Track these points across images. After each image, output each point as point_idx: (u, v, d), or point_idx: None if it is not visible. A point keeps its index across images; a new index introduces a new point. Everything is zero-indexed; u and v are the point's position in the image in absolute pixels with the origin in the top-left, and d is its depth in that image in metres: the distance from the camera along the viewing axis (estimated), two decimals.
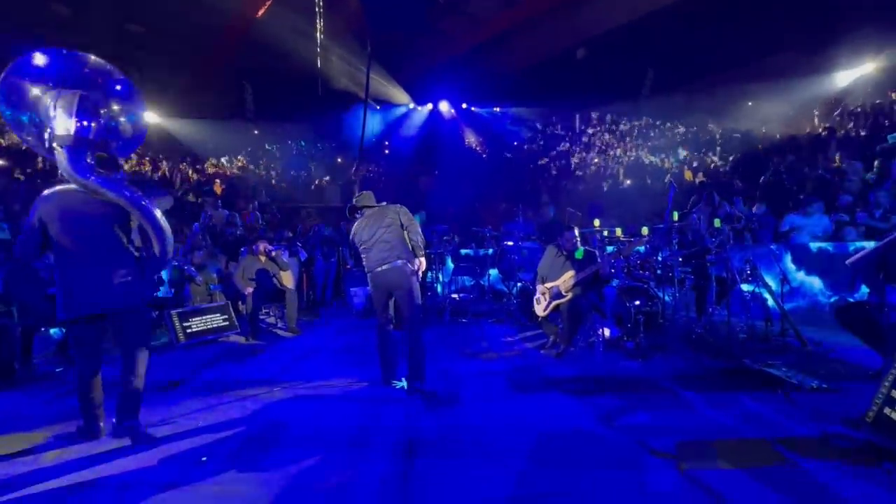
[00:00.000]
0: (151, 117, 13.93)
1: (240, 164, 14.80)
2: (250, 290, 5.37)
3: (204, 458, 2.38)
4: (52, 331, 4.46)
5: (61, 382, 3.69)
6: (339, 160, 15.99)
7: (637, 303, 4.51)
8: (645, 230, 5.17)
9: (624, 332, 4.52)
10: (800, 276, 5.27)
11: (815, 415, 2.72)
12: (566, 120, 15.89)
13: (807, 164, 7.99)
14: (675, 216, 4.70)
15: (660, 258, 4.92)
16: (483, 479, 2.16)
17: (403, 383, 3.45)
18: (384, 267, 3.41)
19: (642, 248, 5.29)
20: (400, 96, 14.95)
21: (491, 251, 7.15)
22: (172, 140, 14.29)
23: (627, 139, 14.24)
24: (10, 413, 3.05)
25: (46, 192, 2.52)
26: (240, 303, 5.61)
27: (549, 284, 4.34)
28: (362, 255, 3.57)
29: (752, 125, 11.60)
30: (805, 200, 5.77)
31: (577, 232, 4.41)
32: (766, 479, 2.07)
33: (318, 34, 12.51)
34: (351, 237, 3.66)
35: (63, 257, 2.48)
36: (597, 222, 5.09)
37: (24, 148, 8.34)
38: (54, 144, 2.41)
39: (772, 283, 4.93)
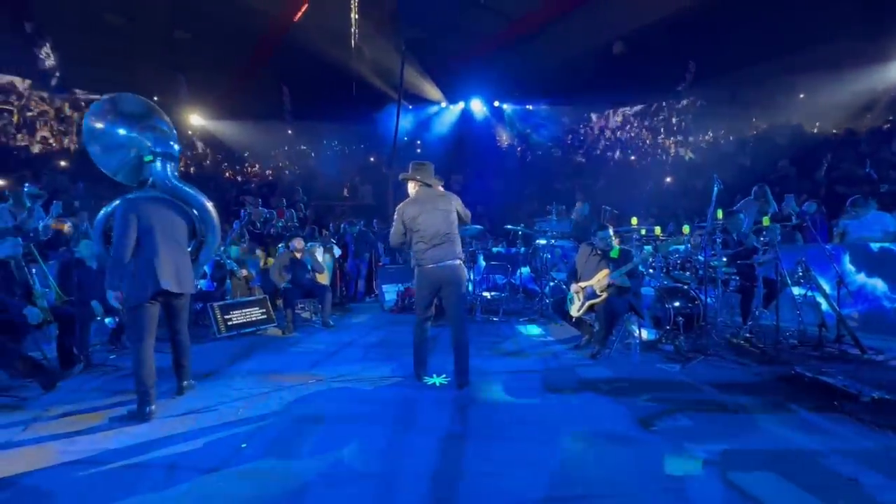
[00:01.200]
0: (196, 119, 14.62)
1: (278, 164, 15.28)
2: (286, 285, 5.53)
3: (244, 445, 2.47)
4: (106, 320, 4.74)
5: (115, 369, 3.92)
6: (372, 159, 16.24)
7: (677, 304, 4.35)
8: (686, 229, 4.97)
9: (662, 335, 4.36)
10: (860, 278, 4.91)
11: (876, 427, 2.53)
12: (602, 116, 15.51)
13: (868, 158, 7.46)
14: (720, 214, 4.48)
15: (701, 258, 4.71)
16: (518, 478, 2.13)
17: (435, 379, 3.46)
18: (444, 264, 3.27)
19: (682, 247, 5.09)
20: (432, 95, 15.00)
21: (523, 249, 7.07)
22: (215, 140, 14.93)
23: (667, 135, 13.73)
24: (71, 396, 3.26)
25: (130, 196, 3.04)
26: (276, 297, 5.79)
27: (583, 284, 4.24)
28: (415, 243, 3.33)
29: (803, 119, 10.93)
30: (852, 202, 5.36)
31: (611, 231, 4.28)
32: (819, 494, 1.94)
33: (352, 37, 12.74)
34: (400, 217, 3.36)
35: (143, 249, 2.90)
36: (634, 220, 4.93)
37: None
38: (149, 158, 3.08)
39: (826, 286, 4.62)
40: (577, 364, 3.94)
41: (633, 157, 13.60)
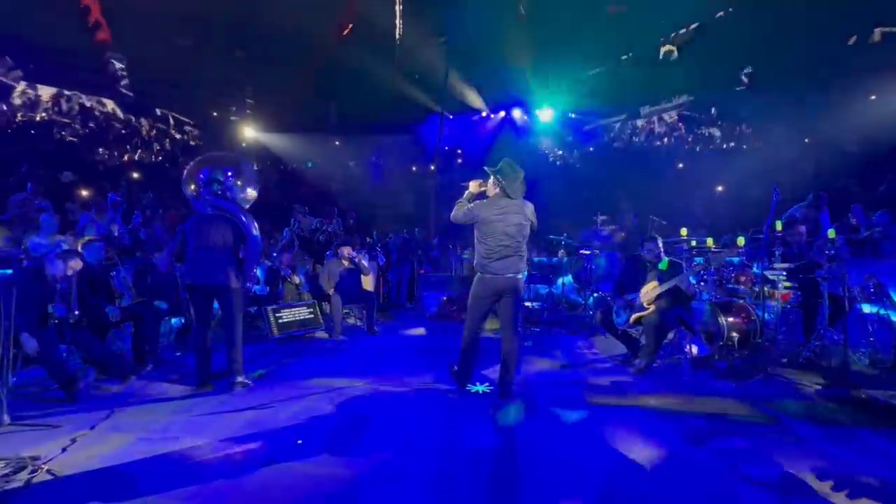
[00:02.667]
0: (249, 132, 15.54)
1: (325, 174, 15.91)
2: (334, 290, 5.76)
3: (299, 441, 2.61)
4: (172, 320, 5.14)
5: (181, 365, 4.24)
6: (414, 168, 16.57)
7: (731, 319, 4.16)
8: (740, 240, 4.76)
9: (715, 351, 4.18)
10: None
11: None
12: (649, 122, 15.04)
13: None
14: (779, 225, 4.26)
15: (758, 271, 4.48)
16: (564, 488, 2.13)
17: (478, 388, 3.50)
18: (510, 275, 3.22)
19: (736, 259, 4.86)
20: (474, 104, 15.13)
21: (566, 259, 6.98)
22: (267, 151, 15.78)
23: (721, 141, 13.11)
24: (143, 389, 3.57)
25: (192, 218, 3.73)
26: (324, 302, 6.04)
27: (629, 296, 4.15)
28: (482, 248, 3.25)
29: (873, 122, 10.12)
30: None
31: (660, 242, 4.17)
32: None
33: (395, 51, 13.15)
34: (473, 212, 3.28)
35: (193, 251, 3.58)
36: (684, 231, 4.77)
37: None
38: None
39: None
40: (623, 378, 3.86)
41: (681, 165, 13.08)
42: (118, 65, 12.69)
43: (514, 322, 3.31)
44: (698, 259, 4.73)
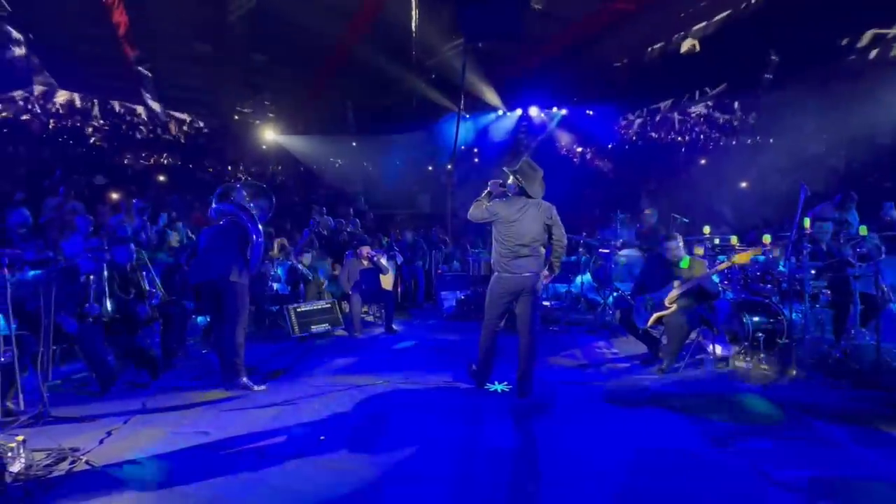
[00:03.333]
0: (269, 134, 15.84)
1: (343, 175, 16.12)
2: (353, 289, 5.84)
3: (322, 438, 2.68)
4: (199, 319, 5.29)
5: (207, 362, 4.37)
6: (430, 168, 16.63)
7: (756, 319, 4.06)
8: (766, 238, 4.64)
9: (739, 351, 4.08)
10: None
11: None
12: (670, 118, 14.76)
13: None
14: (807, 223, 4.14)
15: (785, 269, 4.36)
16: (586, 488, 2.13)
17: (497, 386, 3.51)
18: (527, 274, 3.23)
19: (762, 257, 4.74)
20: (491, 102, 15.08)
21: (584, 258, 6.90)
22: (285, 153, 16.06)
23: (746, 136, 12.75)
24: (172, 384, 3.69)
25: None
26: (344, 301, 6.13)
27: (650, 295, 4.09)
28: (499, 247, 3.27)
29: None
30: None
31: (680, 241, 4.08)
32: None
33: (412, 49, 13.20)
34: (490, 210, 3.28)
35: (200, 253, 3.79)
36: (707, 229, 4.68)
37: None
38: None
39: None
40: (644, 378, 3.81)
41: (703, 161, 12.79)
42: (145, 72, 13.10)
43: (531, 321, 3.31)
44: (722, 257, 4.63)
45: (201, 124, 15.39)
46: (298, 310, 5.56)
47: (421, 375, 3.90)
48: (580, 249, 6.81)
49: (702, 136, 13.62)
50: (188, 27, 11.07)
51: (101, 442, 2.63)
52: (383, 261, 6.25)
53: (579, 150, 15.66)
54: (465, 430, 2.81)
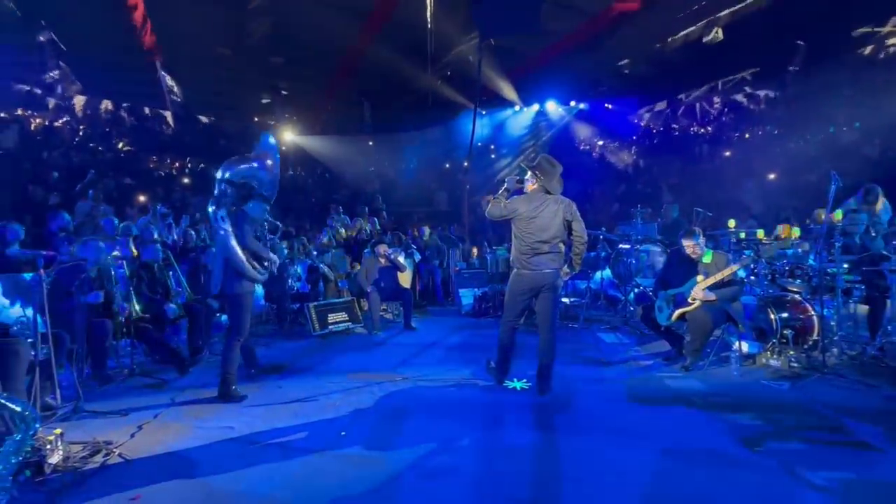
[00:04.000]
0: (288, 135, 16.09)
1: (360, 174, 16.27)
2: (371, 288, 5.89)
3: (343, 433, 2.71)
4: (222, 317, 5.43)
5: None
6: (447, 166, 16.62)
7: (785, 315, 3.93)
8: (795, 231, 4.49)
9: (767, 348, 3.97)
10: None
11: None
12: (692, 109, 14.36)
13: None
14: (839, 215, 3.98)
15: (815, 263, 4.21)
16: (607, 486, 2.11)
17: (516, 384, 3.50)
18: (547, 271, 3.21)
19: (790, 251, 4.59)
20: (507, 98, 14.97)
21: (603, 254, 6.80)
22: (304, 154, 16.30)
23: (773, 126, 12.30)
24: (199, 380, 3.80)
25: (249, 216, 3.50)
26: (363, 299, 6.19)
27: (672, 291, 4.01)
28: (519, 244, 3.25)
29: None
30: None
31: (700, 237, 3.95)
32: None
33: (428, 45, 13.19)
34: (509, 208, 3.25)
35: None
36: (732, 223, 4.54)
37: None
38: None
39: None
40: (667, 376, 3.74)
41: (727, 153, 12.40)
42: (168, 78, 13.47)
43: (551, 318, 3.29)
44: (747, 252, 4.49)
45: (222, 127, 15.74)
46: (319, 308, 5.65)
47: (439, 372, 3.92)
48: (599, 245, 6.72)
49: (727, 127, 13.20)
50: (209, 32, 11.31)
51: (132, 436, 2.72)
52: (401, 259, 6.29)
53: (599, 143, 15.41)
54: (484, 427, 2.81)
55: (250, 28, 10.77)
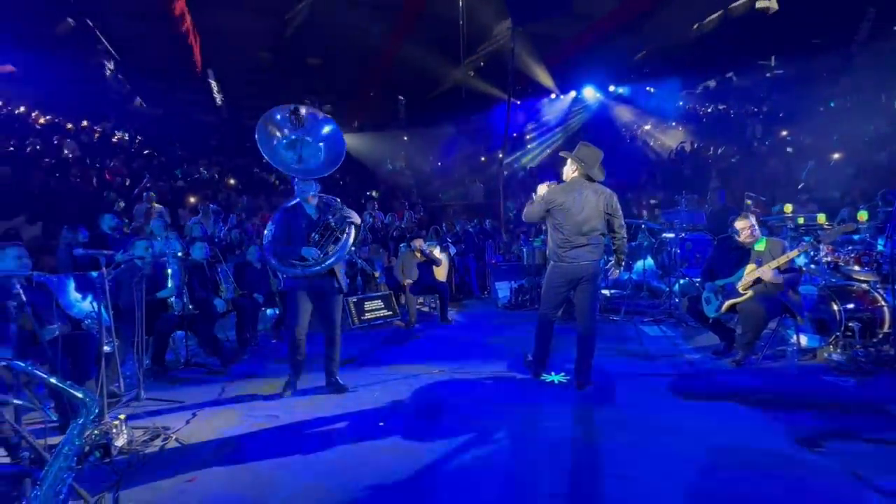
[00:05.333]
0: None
1: (396, 169, 16.47)
2: (409, 281, 5.96)
3: (381, 423, 2.77)
4: (268, 311, 5.67)
5: (276, 351, 4.68)
6: (483, 158, 16.50)
7: (850, 306, 3.63)
8: (862, 215, 4.12)
9: (830, 342, 3.68)
10: None
11: None
12: (743, 87, 13.41)
13: None
14: None
15: (885, 249, 3.84)
16: (652, 486, 2.03)
17: (554, 377, 3.44)
18: (585, 262, 3.12)
19: (857, 237, 4.22)
20: (544, 84, 14.62)
21: (646, 243, 6.54)
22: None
23: (834, 101, 11.31)
24: (246, 371, 4.00)
25: (288, 205, 3.34)
26: (400, 293, 6.28)
27: (721, 281, 3.79)
28: (556, 236, 3.17)
29: None
30: None
31: (754, 221, 3.71)
32: None
33: (460, 37, 13.08)
34: (545, 201, 3.19)
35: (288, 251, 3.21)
36: (788, 207, 4.23)
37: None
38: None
39: None
40: (716, 371, 3.55)
41: (784, 133, 11.53)
42: (213, 83, 14.14)
43: (590, 311, 3.20)
44: (807, 238, 4.17)
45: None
46: (357, 301, 5.79)
47: (476, 365, 3.91)
48: (641, 234, 6.46)
49: (782, 105, 12.25)
50: (252, 39, 11.77)
51: (187, 422, 2.91)
52: (436, 252, 6.32)
53: (641, 128, 14.76)
54: (522, 420, 2.78)
55: (289, 32, 11.09)
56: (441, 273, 6.27)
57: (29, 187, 7.40)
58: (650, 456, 2.28)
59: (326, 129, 3.39)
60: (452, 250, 7.59)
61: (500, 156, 11.57)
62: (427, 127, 16.82)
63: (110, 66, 11.54)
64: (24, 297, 2.33)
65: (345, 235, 3.21)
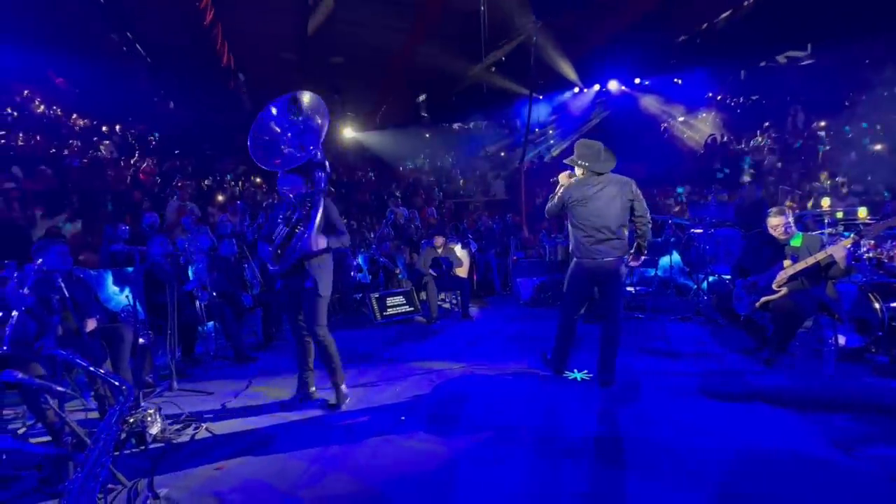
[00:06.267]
0: (348, 132, 16.69)
1: (417, 166, 16.51)
2: (429, 277, 5.99)
3: (403, 418, 2.80)
4: None
5: None
6: (503, 154, 16.38)
7: (894, 304, 3.44)
8: None
9: (871, 342, 3.50)
10: None
11: None
12: (777, 76, 12.82)
13: None
14: None
15: None
16: (683, 487, 1.98)
17: (576, 374, 3.39)
18: (609, 259, 3.07)
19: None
20: (567, 78, 14.38)
21: (672, 239, 6.36)
22: (364, 150, 16.84)
23: (880, 88, 10.66)
24: (272, 364, 4.10)
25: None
26: (421, 290, 6.31)
27: (753, 278, 3.65)
28: (576, 232, 3.14)
29: None
30: None
31: (789, 216, 3.55)
32: None
33: (481, 32, 12.97)
34: (562, 198, 3.17)
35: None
36: (826, 201, 4.04)
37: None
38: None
39: None
40: (747, 370, 3.43)
41: (822, 123, 10.97)
42: (241, 84, 14.48)
43: (615, 308, 3.15)
44: (846, 234, 3.98)
45: None
46: (379, 297, 5.85)
47: (497, 362, 3.90)
48: (667, 229, 6.29)
49: (821, 94, 11.65)
50: (276, 40, 12.00)
51: (216, 413, 3.01)
52: (458, 249, 6.32)
53: (669, 121, 14.33)
54: (543, 418, 2.75)
55: (312, 33, 11.25)
56: (462, 269, 6.28)
57: (69, 187, 7.78)
58: (676, 456, 2.23)
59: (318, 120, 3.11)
60: (474, 247, 7.58)
61: (522, 151, 11.47)
62: (448, 123, 16.82)
63: (144, 71, 11.98)
64: (65, 292, 2.45)
65: (300, 229, 2.91)
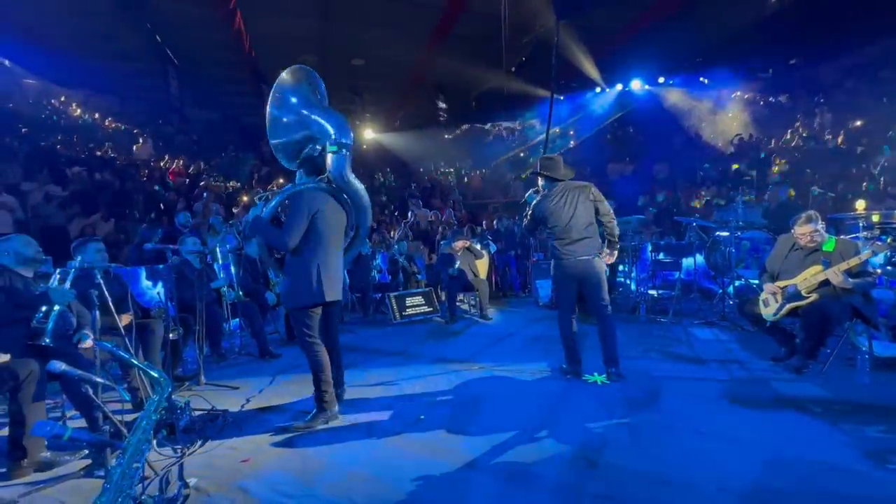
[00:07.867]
0: (368, 133, 16.88)
1: (437, 168, 16.58)
2: (448, 277, 6.02)
3: (422, 417, 2.83)
4: None
5: None
6: (522, 154, 16.30)
7: None
8: None
9: None
10: None
11: None
12: (809, 75, 12.40)
13: None
14: None
15: None
16: (708, 496, 1.95)
17: (596, 377, 3.37)
18: (583, 258, 3.33)
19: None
20: (589, 78, 14.21)
21: (696, 242, 6.22)
22: (384, 151, 17.00)
23: None
24: (294, 360, 4.19)
25: (312, 186, 2.79)
26: (440, 290, 6.35)
27: (781, 283, 3.55)
28: (551, 238, 3.45)
29: None
30: None
31: (819, 225, 3.42)
32: None
33: (502, 33, 12.95)
34: (532, 212, 3.50)
35: (319, 250, 2.70)
36: (861, 204, 3.89)
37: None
38: (333, 149, 2.77)
39: None
40: (774, 378, 3.34)
41: (857, 123, 10.55)
42: (264, 87, 14.82)
43: (599, 303, 3.35)
44: (883, 237, 3.83)
45: None
46: (398, 297, 5.92)
47: (516, 363, 3.90)
48: (691, 232, 6.16)
49: (854, 93, 11.22)
50: (297, 42, 12.24)
51: (242, 407, 3.10)
52: (476, 248, 6.33)
53: (693, 121, 14.01)
54: (562, 419, 2.74)
55: (332, 35, 11.43)
56: (482, 270, 6.28)
57: (103, 187, 8.11)
58: (700, 462, 2.19)
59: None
60: (492, 248, 7.57)
61: (543, 151, 11.39)
62: (468, 124, 16.83)
63: (173, 75, 12.38)
64: (103, 287, 2.56)
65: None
